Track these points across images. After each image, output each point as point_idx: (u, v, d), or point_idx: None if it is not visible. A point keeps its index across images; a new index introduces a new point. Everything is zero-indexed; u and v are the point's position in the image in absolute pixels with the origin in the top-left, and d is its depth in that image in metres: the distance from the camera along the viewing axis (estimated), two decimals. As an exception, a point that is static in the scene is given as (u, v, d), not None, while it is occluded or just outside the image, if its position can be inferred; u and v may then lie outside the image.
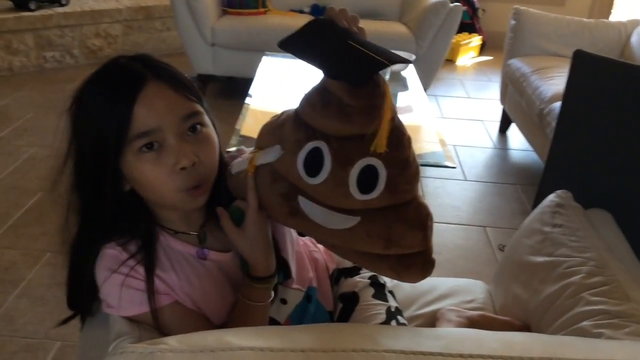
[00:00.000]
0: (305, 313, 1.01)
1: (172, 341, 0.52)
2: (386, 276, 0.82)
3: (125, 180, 0.86)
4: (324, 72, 0.77)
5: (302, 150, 0.77)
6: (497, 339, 0.56)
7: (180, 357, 0.50)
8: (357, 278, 1.14)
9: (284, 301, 0.99)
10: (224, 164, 0.93)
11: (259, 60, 2.92)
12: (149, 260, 0.87)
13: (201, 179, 0.85)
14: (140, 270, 0.86)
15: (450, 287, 1.37)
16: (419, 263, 0.79)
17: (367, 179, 0.75)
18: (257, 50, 3.45)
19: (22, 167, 2.84)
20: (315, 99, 0.78)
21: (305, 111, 0.79)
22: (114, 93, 0.81)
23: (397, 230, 0.77)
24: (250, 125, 2.09)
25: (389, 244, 0.77)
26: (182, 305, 0.89)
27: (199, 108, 0.87)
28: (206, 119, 0.88)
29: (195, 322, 0.89)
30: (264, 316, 0.92)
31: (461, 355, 0.50)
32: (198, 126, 0.85)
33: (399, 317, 1.06)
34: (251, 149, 0.88)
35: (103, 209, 0.86)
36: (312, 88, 0.79)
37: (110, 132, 0.80)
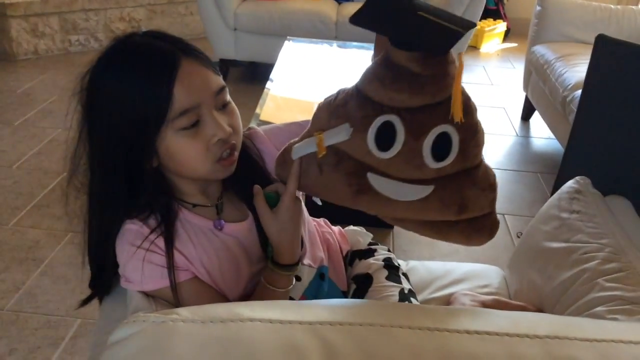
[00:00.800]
0: (320, 291, 1.02)
1: (183, 311, 0.53)
2: (455, 242, 0.84)
3: (157, 156, 0.87)
4: (398, 44, 0.76)
5: (372, 126, 0.78)
6: (504, 317, 0.56)
7: (192, 326, 0.51)
8: (371, 260, 1.14)
9: (298, 278, 1.00)
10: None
11: (281, 45, 2.92)
12: (168, 234, 0.89)
13: (233, 147, 0.89)
14: (160, 244, 0.88)
15: (465, 271, 1.37)
16: (488, 225, 0.82)
17: (441, 147, 0.76)
18: (279, 35, 3.45)
19: (46, 148, 2.89)
20: (383, 73, 0.78)
21: (372, 87, 0.79)
22: (149, 74, 0.82)
23: (469, 194, 0.79)
24: (270, 109, 2.10)
25: (462, 209, 0.79)
26: (200, 281, 0.91)
27: (223, 81, 0.89)
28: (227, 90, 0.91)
29: (211, 298, 0.91)
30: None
31: (467, 331, 0.51)
32: (227, 99, 0.89)
33: (412, 299, 1.06)
34: (256, 125, 0.90)
35: (127, 186, 0.88)
36: (375, 63, 0.80)
37: (151, 113, 0.81)
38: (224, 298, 0.94)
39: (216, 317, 0.52)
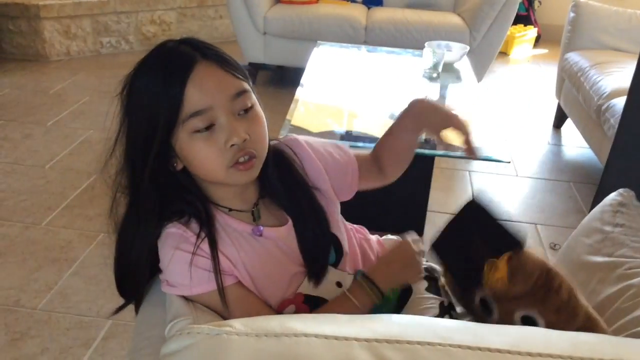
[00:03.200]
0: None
1: (237, 324, 0.52)
2: None
3: (178, 158, 0.88)
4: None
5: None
6: (565, 339, 0.54)
7: (246, 340, 0.50)
8: None
9: (339, 284, 0.99)
10: (270, 146, 0.95)
11: (310, 49, 2.92)
12: (212, 236, 0.88)
13: (251, 153, 0.87)
14: (205, 247, 0.88)
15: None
16: None
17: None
18: (308, 39, 3.45)
19: (77, 149, 2.93)
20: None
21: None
22: (165, 75, 0.83)
23: None
24: (301, 115, 2.09)
25: None
26: (244, 287, 0.91)
27: (247, 86, 0.88)
28: (254, 98, 0.89)
29: (254, 303, 0.91)
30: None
31: (529, 354, 0.49)
32: (248, 104, 0.87)
33: (452, 312, 1.05)
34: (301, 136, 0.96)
35: (153, 188, 0.88)
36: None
37: (163, 112, 0.82)
38: (267, 305, 0.93)
39: (270, 330, 0.51)
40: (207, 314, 0.90)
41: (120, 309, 1.01)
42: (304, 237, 0.96)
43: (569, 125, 3.40)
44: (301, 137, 1.05)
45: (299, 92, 2.30)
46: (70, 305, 1.89)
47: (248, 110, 0.87)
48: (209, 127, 0.84)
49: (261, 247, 0.94)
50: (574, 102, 3.10)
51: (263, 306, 0.92)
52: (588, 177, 2.92)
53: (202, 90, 0.82)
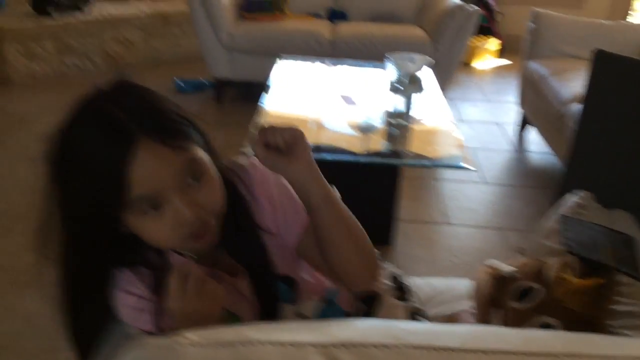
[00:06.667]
0: (328, 316, 1.00)
1: (191, 335, 0.52)
2: None
3: (127, 226, 0.82)
4: None
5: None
6: (518, 335, 0.55)
7: (200, 350, 0.50)
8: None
9: (302, 315, 0.97)
10: (229, 183, 0.89)
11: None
12: (159, 285, 0.85)
13: (207, 221, 0.82)
14: (148, 296, 0.86)
15: (468, 287, 1.36)
16: None
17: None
18: (274, 54, 3.46)
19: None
20: None
21: None
22: (104, 153, 0.75)
23: None
24: (267, 128, 2.09)
25: None
26: None
27: (195, 152, 0.81)
28: (201, 156, 0.82)
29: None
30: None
31: (483, 351, 0.50)
32: (198, 173, 0.81)
33: (419, 317, 1.05)
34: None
35: (98, 251, 0.84)
36: None
37: (105, 194, 0.76)
38: None
39: (225, 340, 0.51)
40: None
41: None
42: (259, 285, 0.94)
43: (532, 132, 3.47)
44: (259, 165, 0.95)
45: (263, 104, 2.31)
46: (36, 329, 1.85)
47: (199, 178, 0.81)
48: (158, 207, 0.78)
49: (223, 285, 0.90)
50: (536, 109, 3.17)
51: None
52: (552, 182, 2.97)
53: (145, 175, 0.75)
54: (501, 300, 1.03)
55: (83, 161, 0.76)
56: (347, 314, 1.05)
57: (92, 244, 0.83)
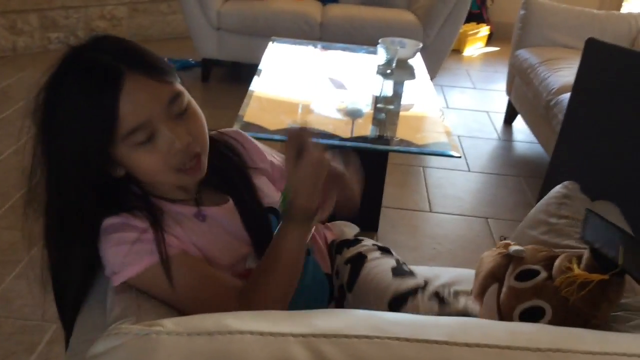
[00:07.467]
0: (305, 266, 1.02)
1: (168, 323, 0.50)
2: None
3: (119, 166, 0.87)
4: None
5: None
6: (503, 329, 0.54)
7: (177, 339, 0.48)
8: (360, 244, 1.15)
9: None
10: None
11: (264, 45, 2.89)
12: (154, 216, 0.88)
13: (197, 152, 0.88)
14: (146, 226, 0.87)
15: (452, 276, 1.35)
16: None
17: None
18: (263, 35, 3.42)
19: (23, 148, 2.81)
20: None
21: None
22: (91, 95, 0.80)
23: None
24: (254, 111, 2.07)
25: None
26: (190, 255, 0.90)
27: (180, 87, 0.87)
28: (187, 95, 0.88)
29: (203, 269, 0.90)
30: (293, 266, 0.92)
31: (467, 344, 0.49)
32: (184, 106, 0.86)
33: (404, 266, 1.09)
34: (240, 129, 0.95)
35: (98, 196, 0.87)
36: None
37: (97, 134, 0.81)
38: (216, 269, 0.93)
39: (203, 329, 0.49)
40: (152, 313, 0.88)
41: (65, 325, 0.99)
42: (245, 213, 0.99)
43: (519, 122, 3.47)
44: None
45: (253, 88, 2.27)
46: (13, 309, 1.82)
47: (184, 111, 0.86)
48: (150, 138, 0.83)
49: (208, 229, 0.95)
50: (523, 98, 3.16)
51: (213, 272, 0.91)
52: (537, 172, 2.98)
53: (135, 106, 0.80)
54: (501, 276, 1.02)
55: (73, 106, 0.81)
56: (324, 273, 1.11)
57: (82, 196, 0.86)
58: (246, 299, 0.89)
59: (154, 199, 0.93)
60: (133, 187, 0.93)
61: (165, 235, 0.87)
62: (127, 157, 0.85)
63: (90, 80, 0.81)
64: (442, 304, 0.96)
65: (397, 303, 0.98)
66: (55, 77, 0.83)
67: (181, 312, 0.87)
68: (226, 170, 1.00)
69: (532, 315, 0.92)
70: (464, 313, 0.94)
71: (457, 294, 1.00)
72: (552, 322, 0.90)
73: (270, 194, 1.05)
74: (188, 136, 0.85)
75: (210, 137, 0.95)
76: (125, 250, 0.86)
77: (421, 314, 0.91)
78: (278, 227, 0.93)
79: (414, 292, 0.99)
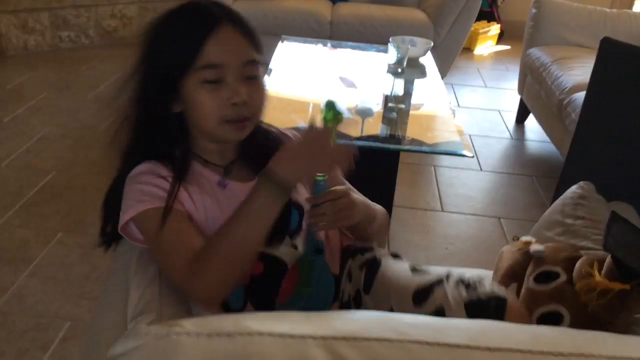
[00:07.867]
0: (314, 265, 1.05)
1: (187, 324, 0.50)
2: None
3: (180, 101, 0.96)
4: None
5: None
6: (524, 332, 0.54)
7: (196, 340, 0.48)
8: (375, 250, 1.15)
9: (295, 246, 1.05)
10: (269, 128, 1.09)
11: (274, 44, 2.89)
12: (179, 172, 0.97)
13: (247, 116, 0.96)
14: (169, 177, 0.96)
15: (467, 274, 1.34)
16: None
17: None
18: (273, 34, 3.41)
19: (35, 146, 2.84)
20: None
21: None
22: (189, 26, 0.93)
23: None
24: (265, 110, 2.06)
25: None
26: (189, 221, 0.96)
27: (259, 58, 0.97)
28: (261, 71, 0.98)
29: (188, 233, 0.93)
30: (248, 229, 0.89)
31: (488, 348, 0.48)
32: (256, 74, 0.96)
33: (419, 269, 1.06)
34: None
35: (145, 130, 0.98)
36: None
37: (180, 56, 0.92)
38: (199, 239, 0.93)
39: (222, 330, 0.49)
40: (173, 306, 0.90)
41: (102, 244, 1.06)
42: None
43: (531, 121, 3.45)
44: None
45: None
46: (27, 306, 1.83)
47: (254, 79, 0.96)
48: (217, 82, 0.93)
49: (225, 199, 1.00)
50: (536, 97, 3.14)
51: (194, 238, 0.92)
52: (550, 171, 2.96)
53: (220, 48, 0.91)
54: (522, 276, 1.01)
55: (172, 32, 0.94)
56: (332, 274, 1.12)
57: (147, 120, 0.98)
58: (196, 261, 0.88)
59: (190, 153, 1.01)
60: (179, 133, 1.00)
61: (181, 190, 0.95)
62: (191, 92, 0.93)
63: (192, 17, 0.94)
64: (469, 288, 0.93)
65: (422, 294, 0.95)
66: (168, 12, 0.96)
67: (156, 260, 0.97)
68: (264, 155, 0.97)
69: (550, 320, 0.91)
70: (492, 296, 0.90)
71: (481, 279, 0.97)
72: (570, 327, 0.89)
73: (300, 191, 1.08)
74: (247, 97, 0.93)
75: (266, 127, 1.07)
76: (139, 190, 0.94)
77: (450, 301, 0.89)
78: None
79: (438, 281, 0.97)
